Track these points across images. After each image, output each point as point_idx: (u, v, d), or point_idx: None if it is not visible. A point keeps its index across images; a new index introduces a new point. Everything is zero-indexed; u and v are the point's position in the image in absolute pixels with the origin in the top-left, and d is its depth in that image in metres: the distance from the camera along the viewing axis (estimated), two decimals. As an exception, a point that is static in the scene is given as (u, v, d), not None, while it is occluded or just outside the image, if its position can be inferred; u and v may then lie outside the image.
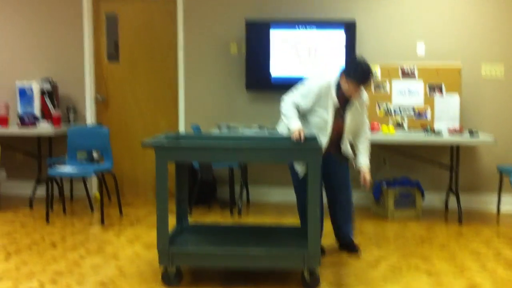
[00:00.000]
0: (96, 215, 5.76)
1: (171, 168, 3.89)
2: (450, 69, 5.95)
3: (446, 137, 5.55)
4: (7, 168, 6.42)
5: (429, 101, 5.96)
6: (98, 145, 5.77)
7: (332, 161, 4.38)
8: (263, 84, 6.29)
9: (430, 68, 5.98)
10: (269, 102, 6.32)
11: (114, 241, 4.87)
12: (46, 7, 6.58)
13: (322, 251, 4.26)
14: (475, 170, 6.24)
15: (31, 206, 6.02)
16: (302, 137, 3.97)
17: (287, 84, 6.12)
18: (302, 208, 4.31)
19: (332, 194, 4.52)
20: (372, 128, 5.71)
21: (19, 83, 6.27)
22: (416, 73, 5.99)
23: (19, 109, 6.26)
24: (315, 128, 4.25)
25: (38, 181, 6.12)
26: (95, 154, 6.05)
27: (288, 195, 6.28)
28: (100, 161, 6.04)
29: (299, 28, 6.16)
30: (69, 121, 6.46)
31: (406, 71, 6.01)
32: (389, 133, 5.66)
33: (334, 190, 4.50)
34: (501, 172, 5.85)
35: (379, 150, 6.00)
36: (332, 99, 4.20)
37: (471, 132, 5.53)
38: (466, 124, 6.00)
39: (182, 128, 6.50)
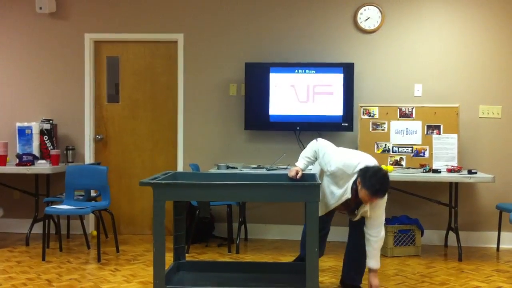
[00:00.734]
0: (93, 252, 5.71)
1: (169, 205, 3.88)
2: (448, 110, 6.00)
3: (446, 175, 5.56)
4: (4, 206, 6.40)
5: (427, 140, 5.98)
6: (96, 183, 5.75)
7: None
8: (262, 124, 6.33)
9: (428, 109, 6.03)
10: (268, 141, 6.36)
11: (111, 278, 4.81)
12: (49, 50, 6.67)
13: None
14: (474, 208, 6.23)
15: (27, 243, 5.97)
16: (298, 176, 4.02)
17: (285, 123, 6.24)
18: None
19: (353, 238, 4.42)
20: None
21: (20, 124, 6.33)
22: (414, 113, 6.04)
23: (18, 149, 6.29)
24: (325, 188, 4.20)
25: (35, 219, 6.08)
26: (92, 192, 6.03)
27: (286, 233, 6.29)
28: (98, 199, 6.02)
29: (298, 71, 6.25)
30: (67, 160, 6.47)
31: (404, 111, 6.05)
32: (387, 171, 5.64)
33: (354, 235, 4.40)
34: (501, 210, 5.84)
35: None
36: (344, 192, 4.06)
37: (470, 172, 5.53)
38: (464, 163, 6.01)
39: (180, 167, 6.51)
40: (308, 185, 3.75)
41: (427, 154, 5.95)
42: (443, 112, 5.99)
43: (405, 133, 6.03)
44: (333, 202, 4.17)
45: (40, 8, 6.48)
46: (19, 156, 6.02)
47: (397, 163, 5.97)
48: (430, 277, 4.92)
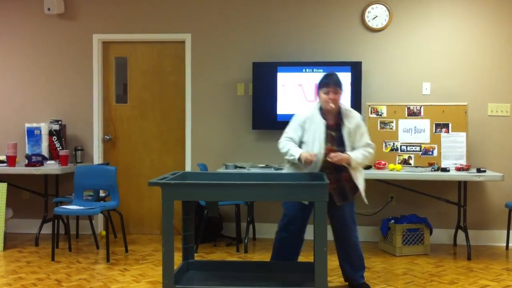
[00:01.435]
0: (102, 252, 5.74)
1: (177, 204, 3.89)
2: (456, 108, 5.97)
3: (455, 173, 5.54)
4: (14, 207, 6.43)
5: (435, 139, 5.97)
6: (105, 183, 5.77)
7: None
8: (270, 123, 6.32)
9: (436, 108, 6.01)
10: (275, 140, 6.25)
11: (120, 278, 4.83)
12: (57, 51, 6.70)
13: None
14: (483, 207, 6.20)
15: (37, 244, 6.00)
16: (312, 154, 4.06)
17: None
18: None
19: (336, 234, 4.42)
20: (379, 165, 5.72)
21: (28, 125, 6.36)
22: (422, 112, 6.02)
23: (27, 149, 6.32)
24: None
25: (45, 220, 6.12)
26: (101, 192, 6.06)
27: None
28: (107, 199, 6.05)
29: (306, 70, 6.24)
30: (76, 160, 6.50)
31: (412, 110, 6.04)
32: (395, 170, 5.65)
33: (335, 231, 4.41)
34: (510, 209, 5.81)
35: (386, 187, 5.99)
36: (319, 120, 4.23)
37: (478, 170, 5.51)
38: (472, 162, 5.98)
39: (188, 167, 6.52)
40: (317, 185, 3.75)
41: (435, 153, 5.93)
42: (452, 111, 5.97)
43: (413, 132, 6.02)
44: (318, 146, 4.20)
45: (49, 9, 6.50)
46: (28, 157, 6.05)
47: (405, 162, 5.95)
48: (439, 276, 4.91)
